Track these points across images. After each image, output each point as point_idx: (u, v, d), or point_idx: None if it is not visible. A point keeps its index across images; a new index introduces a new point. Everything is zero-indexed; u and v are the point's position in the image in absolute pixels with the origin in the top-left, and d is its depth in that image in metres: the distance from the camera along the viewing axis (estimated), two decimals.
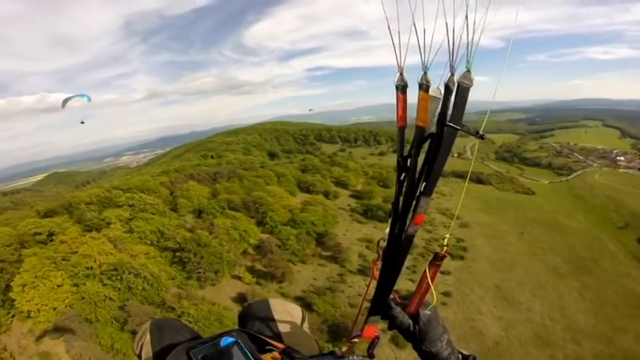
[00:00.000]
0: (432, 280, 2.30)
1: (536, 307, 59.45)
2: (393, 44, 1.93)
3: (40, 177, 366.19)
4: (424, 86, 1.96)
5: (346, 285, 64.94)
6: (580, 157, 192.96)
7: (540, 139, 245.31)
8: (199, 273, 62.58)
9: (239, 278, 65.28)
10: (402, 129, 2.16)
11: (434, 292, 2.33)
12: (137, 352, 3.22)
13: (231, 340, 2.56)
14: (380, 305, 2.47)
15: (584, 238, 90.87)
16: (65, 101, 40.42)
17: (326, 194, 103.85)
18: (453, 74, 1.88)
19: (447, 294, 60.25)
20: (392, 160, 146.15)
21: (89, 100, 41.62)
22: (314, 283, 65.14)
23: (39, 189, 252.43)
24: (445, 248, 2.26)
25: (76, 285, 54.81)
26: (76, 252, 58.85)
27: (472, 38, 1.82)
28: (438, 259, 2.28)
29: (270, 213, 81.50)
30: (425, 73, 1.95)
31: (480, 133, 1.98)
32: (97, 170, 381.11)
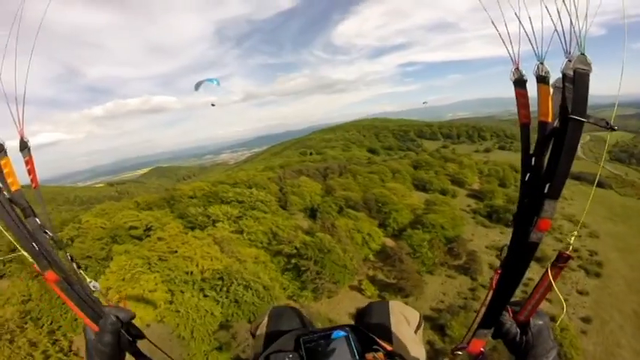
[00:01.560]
0: (553, 285, 1.97)
1: None
2: (501, 36, 1.80)
3: (144, 170, 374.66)
4: (542, 78, 1.79)
5: (480, 302, 49.25)
6: None
7: None
8: (317, 284, 49.28)
9: (359, 290, 52.69)
10: (525, 126, 1.96)
11: (561, 298, 2.15)
12: (252, 332, 3.22)
13: (342, 334, 2.39)
14: (493, 318, 2.16)
15: None
16: (198, 85, 39.02)
17: (442, 193, 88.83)
18: (570, 60, 1.67)
19: (586, 320, 50.26)
20: (499, 156, 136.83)
21: (218, 83, 39.93)
22: (444, 299, 53.21)
23: (143, 181, 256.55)
24: (571, 247, 1.92)
25: (170, 292, 42.87)
26: (175, 252, 47.45)
27: (579, 18, 1.67)
28: (561, 260, 1.95)
29: (394, 213, 67.83)
30: (541, 63, 1.78)
31: (610, 124, 1.73)
32: (197, 166, 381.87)
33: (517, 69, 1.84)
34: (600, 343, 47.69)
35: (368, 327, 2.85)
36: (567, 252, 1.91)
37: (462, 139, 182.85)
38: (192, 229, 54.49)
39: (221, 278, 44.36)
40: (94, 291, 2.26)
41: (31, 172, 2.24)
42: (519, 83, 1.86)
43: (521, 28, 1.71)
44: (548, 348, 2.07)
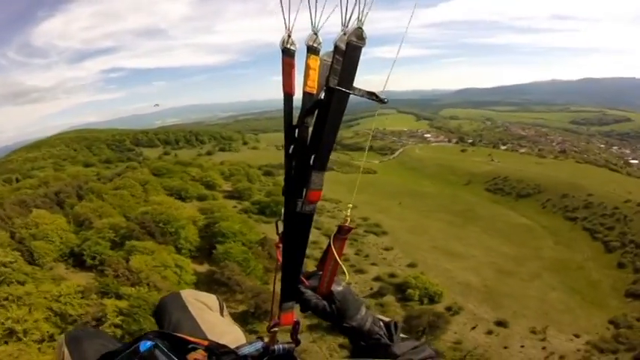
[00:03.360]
0: (339, 255, 1.96)
1: (474, 252, 61.04)
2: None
3: None
4: (314, 49, 1.69)
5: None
6: (394, 138, 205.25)
7: (349, 128, 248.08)
8: None
9: None
10: (289, 96, 1.84)
11: (344, 267, 2.03)
12: None
13: (149, 344, 2.03)
14: (291, 290, 2.09)
15: (446, 198, 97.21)
16: None
17: (201, 199, 77.71)
18: (345, 33, 1.55)
19: (413, 265, 56.24)
20: (223, 157, 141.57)
21: None
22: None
23: None
24: (349, 219, 1.90)
25: None
26: None
27: None
28: (343, 232, 1.94)
29: (182, 232, 54.19)
30: (315, 34, 1.67)
31: (380, 96, 1.68)
32: None
33: (289, 36, 1.69)
34: (439, 276, 52.05)
35: (171, 326, 2.68)
36: (347, 224, 1.89)
37: (182, 144, 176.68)
38: None
39: None
40: None
41: None
42: (287, 52, 1.72)
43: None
44: (358, 306, 2.11)
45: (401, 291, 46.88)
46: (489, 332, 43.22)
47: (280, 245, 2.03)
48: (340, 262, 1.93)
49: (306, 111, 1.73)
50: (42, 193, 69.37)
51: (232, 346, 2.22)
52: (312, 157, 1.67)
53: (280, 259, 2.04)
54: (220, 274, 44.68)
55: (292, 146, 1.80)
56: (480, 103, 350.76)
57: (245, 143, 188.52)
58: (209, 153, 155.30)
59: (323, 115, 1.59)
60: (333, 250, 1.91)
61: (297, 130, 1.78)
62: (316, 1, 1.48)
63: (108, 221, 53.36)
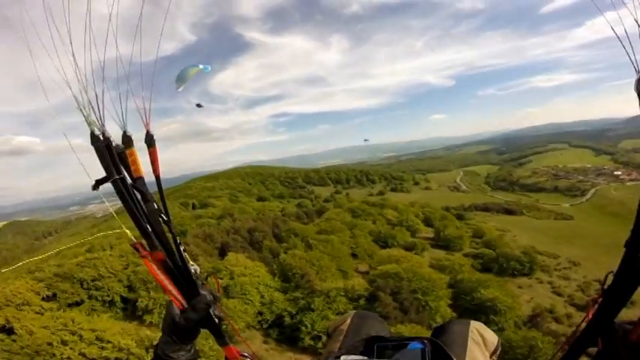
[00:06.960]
0: None
1: None
2: (620, 41, 1.54)
3: None
4: None
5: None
6: (580, 176, 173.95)
7: (520, 166, 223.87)
8: None
9: None
10: None
11: None
12: (329, 332, 3.02)
13: (419, 346, 2.21)
14: (586, 346, 1.93)
15: None
16: (184, 77, 17.76)
17: (408, 248, 59.12)
18: None
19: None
20: (397, 198, 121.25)
21: (206, 69, 19.32)
22: None
23: None
24: None
25: None
26: None
27: None
28: None
29: (438, 304, 36.91)
30: None
31: None
32: (61, 219, 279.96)
33: None
34: None
35: (444, 344, 2.49)
36: None
37: (352, 183, 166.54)
38: None
39: None
40: (194, 273, 2.15)
41: (154, 162, 2.27)
42: None
43: None
44: None
45: None
46: None
47: (597, 301, 1.87)
48: None
49: None
50: (229, 226, 54.91)
51: None
52: None
53: (590, 313, 1.88)
54: None
55: None
56: None
57: (416, 183, 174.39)
58: (381, 193, 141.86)
59: None
60: None
61: None
62: None
63: (342, 284, 37.41)
